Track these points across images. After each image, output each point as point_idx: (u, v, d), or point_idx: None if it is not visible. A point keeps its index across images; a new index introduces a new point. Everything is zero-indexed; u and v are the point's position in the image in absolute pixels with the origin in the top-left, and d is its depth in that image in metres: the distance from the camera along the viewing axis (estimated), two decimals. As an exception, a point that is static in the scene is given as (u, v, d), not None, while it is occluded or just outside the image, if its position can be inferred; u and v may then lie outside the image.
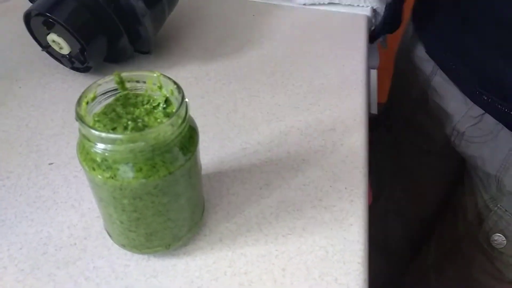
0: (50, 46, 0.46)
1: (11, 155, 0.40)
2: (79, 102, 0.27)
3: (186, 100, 0.28)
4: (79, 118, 0.26)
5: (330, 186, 0.39)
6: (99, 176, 0.27)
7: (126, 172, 0.27)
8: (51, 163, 0.40)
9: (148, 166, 0.27)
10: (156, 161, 0.27)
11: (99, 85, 0.28)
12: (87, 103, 0.28)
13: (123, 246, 0.32)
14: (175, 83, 0.29)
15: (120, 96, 0.29)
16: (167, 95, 0.29)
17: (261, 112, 0.46)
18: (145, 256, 0.33)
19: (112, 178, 0.27)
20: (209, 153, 0.41)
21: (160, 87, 0.29)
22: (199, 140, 0.31)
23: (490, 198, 0.53)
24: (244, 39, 0.55)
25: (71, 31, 0.44)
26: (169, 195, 0.29)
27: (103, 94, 0.29)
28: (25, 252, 0.34)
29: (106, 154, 0.26)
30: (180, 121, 0.27)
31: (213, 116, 0.45)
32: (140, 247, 0.32)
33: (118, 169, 0.27)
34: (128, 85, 0.29)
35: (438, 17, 0.53)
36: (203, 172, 0.39)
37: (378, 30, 0.60)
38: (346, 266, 0.33)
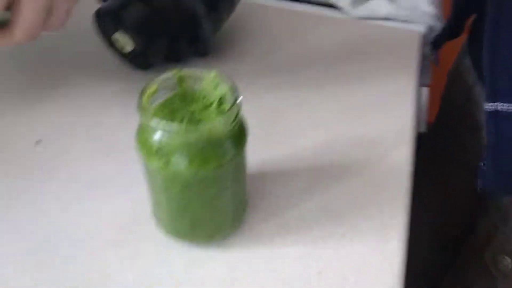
0: (114, 44, 0.50)
1: (74, 143, 0.43)
2: (142, 93, 0.29)
3: (239, 99, 0.30)
4: (141, 108, 0.28)
5: (372, 199, 0.39)
6: (154, 164, 0.29)
7: (179, 163, 0.28)
8: (109, 152, 0.42)
9: (200, 158, 0.28)
10: (208, 153, 0.29)
11: (161, 80, 0.30)
12: (149, 95, 0.30)
13: (168, 233, 0.34)
14: (230, 82, 0.30)
15: (178, 92, 0.31)
16: (222, 94, 0.31)
17: (309, 119, 0.46)
18: (187, 246, 0.35)
19: (166, 167, 0.28)
20: (254, 154, 0.42)
21: (216, 86, 0.31)
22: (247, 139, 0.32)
23: (500, 217, 0.50)
24: (297, 48, 0.56)
25: (137, 30, 0.47)
26: (216, 187, 0.30)
27: (163, 89, 0.31)
28: (78, 229, 0.36)
29: (163, 143, 0.28)
30: (232, 118, 0.29)
31: (261, 119, 0.46)
32: (184, 235, 0.33)
33: (172, 159, 0.28)
34: (186, 82, 0.31)
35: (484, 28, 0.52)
36: (249, 173, 0.40)
37: (437, 38, 0.59)
38: (383, 276, 0.33)
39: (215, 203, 0.31)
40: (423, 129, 0.72)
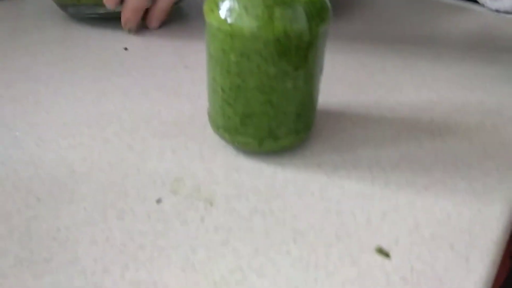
0: None
1: (159, 54, 0.43)
2: None
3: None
4: None
5: (476, 161, 0.30)
6: (215, 20, 0.25)
7: (241, 16, 0.25)
8: (186, 67, 0.41)
9: (265, 15, 0.24)
10: (275, 12, 0.24)
11: None
12: None
13: (218, 127, 0.30)
14: None
15: None
16: None
17: (411, 77, 0.40)
18: (236, 153, 0.30)
19: (226, 21, 0.25)
20: (339, 97, 0.37)
21: None
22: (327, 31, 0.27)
23: None
24: (422, 32, 0.50)
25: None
26: (277, 66, 0.26)
27: None
28: (132, 117, 0.34)
29: None
30: None
31: (356, 70, 0.41)
32: (233, 131, 0.29)
33: (235, 12, 0.25)
34: None
35: None
36: (325, 109, 0.35)
37: None
38: (473, 239, 0.24)
39: (273, 90, 0.26)
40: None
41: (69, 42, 0.44)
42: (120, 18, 0.46)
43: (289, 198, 0.27)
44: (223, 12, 0.25)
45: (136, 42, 0.45)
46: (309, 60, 0.27)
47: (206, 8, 0.26)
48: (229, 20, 0.25)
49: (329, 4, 0.27)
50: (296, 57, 0.26)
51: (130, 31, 0.45)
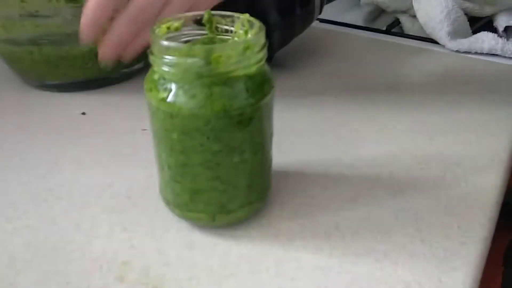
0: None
1: (117, 117, 0.42)
2: (160, 22, 0.26)
3: (262, 32, 0.25)
4: (153, 31, 0.25)
5: (437, 219, 0.29)
6: (154, 99, 0.25)
7: (179, 96, 0.24)
8: (144, 130, 0.40)
9: (203, 95, 0.24)
10: (213, 91, 0.24)
11: (188, 17, 0.27)
12: (168, 28, 0.26)
13: (168, 203, 0.29)
14: (259, 22, 0.26)
15: (204, 39, 0.28)
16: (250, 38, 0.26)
17: (373, 128, 0.39)
18: (189, 228, 0.29)
19: (165, 100, 0.24)
20: (298, 153, 0.36)
21: (246, 32, 0.27)
22: (274, 100, 0.27)
23: None
24: (377, 76, 0.50)
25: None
26: (221, 143, 0.25)
27: (186, 32, 0.27)
28: (83, 191, 0.33)
29: (166, 69, 0.24)
30: (249, 51, 0.24)
31: (319, 123, 0.40)
32: (184, 207, 0.28)
33: (172, 91, 0.24)
34: (214, 24, 0.28)
35: None
36: (284, 169, 0.34)
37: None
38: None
39: (219, 166, 0.26)
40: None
41: (25, 108, 0.43)
42: (79, 84, 0.45)
43: (243, 277, 0.26)
44: (161, 92, 0.25)
45: (95, 105, 0.44)
46: (254, 133, 0.26)
47: (145, 87, 0.26)
48: (167, 100, 0.24)
49: (271, 75, 0.27)
50: (239, 132, 0.25)
51: (106, 67, 0.40)
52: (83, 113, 0.42)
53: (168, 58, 0.24)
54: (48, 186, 0.33)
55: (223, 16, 0.28)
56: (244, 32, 0.27)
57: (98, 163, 0.36)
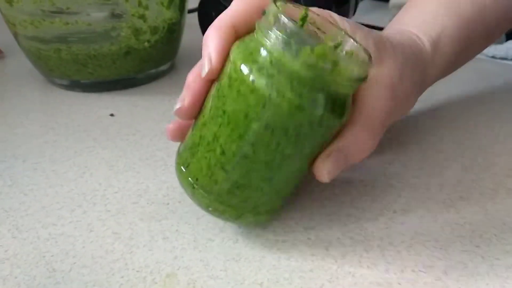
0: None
1: (146, 120, 0.40)
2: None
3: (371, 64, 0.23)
4: (275, 3, 0.23)
5: (495, 235, 0.28)
6: (251, 80, 0.22)
7: (284, 89, 0.22)
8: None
9: (308, 97, 0.22)
10: (319, 98, 0.22)
11: (287, 6, 0.24)
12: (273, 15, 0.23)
13: (193, 185, 0.25)
14: (359, 44, 0.24)
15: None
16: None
17: (415, 137, 0.38)
18: (233, 238, 0.28)
19: (265, 87, 0.22)
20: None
21: (337, 47, 0.25)
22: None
23: None
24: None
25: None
26: (297, 148, 0.23)
27: (282, 20, 0.23)
28: (118, 196, 0.31)
29: (280, 55, 0.22)
30: (363, 73, 0.23)
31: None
32: (214, 196, 0.25)
33: (278, 82, 0.22)
34: (308, 27, 0.25)
35: None
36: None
37: None
38: None
39: (280, 170, 0.24)
40: None
41: (50, 109, 0.42)
42: (106, 84, 0.44)
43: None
44: (264, 77, 0.22)
45: (122, 106, 0.42)
46: (323, 146, 0.25)
47: (239, 63, 0.23)
48: (270, 88, 0.22)
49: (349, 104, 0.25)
50: (316, 142, 0.24)
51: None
52: (112, 115, 0.41)
53: (294, 47, 0.22)
54: (81, 190, 0.32)
55: (320, 18, 0.25)
56: (334, 45, 0.25)
57: (131, 166, 0.34)
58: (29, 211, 0.30)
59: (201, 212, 0.28)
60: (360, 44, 0.24)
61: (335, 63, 0.22)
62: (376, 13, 0.66)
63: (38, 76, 0.46)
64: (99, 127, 0.39)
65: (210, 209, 0.26)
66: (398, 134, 0.38)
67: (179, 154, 0.27)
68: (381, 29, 0.63)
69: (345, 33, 0.25)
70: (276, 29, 0.22)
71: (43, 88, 0.46)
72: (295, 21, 0.23)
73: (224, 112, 0.23)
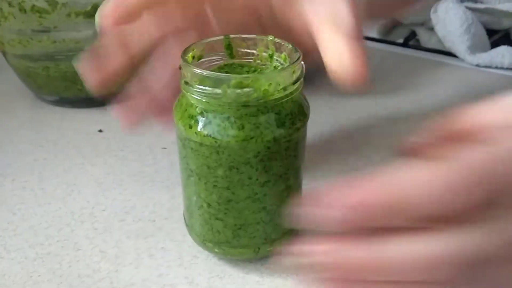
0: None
1: (134, 135, 0.41)
2: (185, 52, 0.25)
3: (302, 63, 0.24)
4: (184, 60, 0.24)
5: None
6: (196, 136, 0.23)
7: (226, 129, 0.23)
8: (164, 148, 0.39)
9: (251, 125, 0.23)
10: (261, 120, 0.23)
11: (207, 43, 0.26)
12: (193, 57, 0.25)
13: (204, 242, 0.27)
14: (291, 44, 0.25)
15: (225, 64, 0.27)
16: (278, 65, 0.26)
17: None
18: (218, 255, 0.28)
19: (210, 136, 0.23)
20: (327, 177, 0.35)
21: (272, 56, 0.26)
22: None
23: None
24: (405, 90, 0.49)
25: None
26: (269, 172, 0.24)
27: (209, 58, 0.26)
28: (106, 214, 0.32)
29: (207, 102, 0.23)
30: (294, 78, 0.23)
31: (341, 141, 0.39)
32: (225, 244, 0.26)
33: (217, 125, 0.23)
34: (236, 50, 0.27)
35: None
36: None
37: None
38: None
39: (266, 197, 0.25)
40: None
41: (40, 126, 0.42)
42: (95, 100, 0.44)
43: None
44: (204, 127, 0.23)
45: (110, 122, 0.43)
46: (298, 157, 0.25)
47: (180, 124, 0.24)
48: (213, 135, 0.23)
49: (307, 105, 0.26)
50: (286, 159, 0.24)
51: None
52: (100, 130, 0.42)
53: (213, 90, 0.23)
54: (69, 208, 0.32)
55: (243, 39, 0.27)
56: (268, 55, 0.26)
57: (119, 183, 0.35)
58: (17, 230, 0.30)
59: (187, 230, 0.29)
60: (292, 44, 0.25)
61: (257, 86, 0.22)
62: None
63: (28, 93, 0.47)
64: (89, 143, 0.40)
65: (229, 257, 0.27)
66: (380, 143, 0.39)
67: (184, 216, 0.29)
68: (367, 38, 0.63)
69: (273, 38, 0.26)
70: (193, 80, 0.23)
71: (33, 104, 0.46)
72: (202, 68, 0.23)
73: (191, 170, 0.25)
